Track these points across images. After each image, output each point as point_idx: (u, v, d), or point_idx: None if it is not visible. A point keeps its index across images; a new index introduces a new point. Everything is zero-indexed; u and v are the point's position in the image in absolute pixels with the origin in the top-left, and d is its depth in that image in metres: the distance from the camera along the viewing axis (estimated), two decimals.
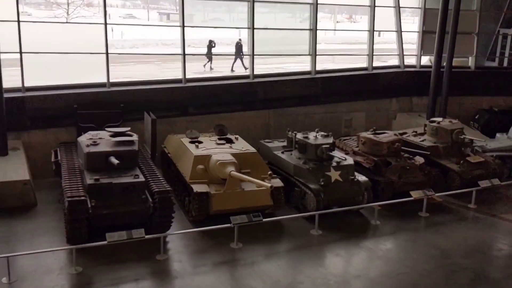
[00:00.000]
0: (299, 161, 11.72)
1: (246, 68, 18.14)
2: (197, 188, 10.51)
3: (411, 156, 12.98)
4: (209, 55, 22.46)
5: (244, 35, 17.31)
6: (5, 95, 12.12)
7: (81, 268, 8.79)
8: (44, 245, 9.52)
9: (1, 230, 10.05)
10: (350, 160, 11.93)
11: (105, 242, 8.80)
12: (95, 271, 8.79)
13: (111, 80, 14.19)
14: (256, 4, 15.69)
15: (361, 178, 11.68)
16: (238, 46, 21.19)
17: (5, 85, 12.15)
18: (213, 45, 22.17)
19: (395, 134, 13.54)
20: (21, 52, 13.00)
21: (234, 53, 21.83)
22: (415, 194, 11.67)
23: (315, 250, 10.05)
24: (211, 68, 22.52)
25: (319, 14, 17.26)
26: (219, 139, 12.28)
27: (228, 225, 9.81)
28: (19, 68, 13.13)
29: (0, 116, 12.00)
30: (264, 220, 10.13)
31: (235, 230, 9.85)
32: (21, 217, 10.77)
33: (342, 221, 11.20)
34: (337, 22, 33.49)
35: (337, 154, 12.00)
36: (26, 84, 13.25)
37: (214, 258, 9.47)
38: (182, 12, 14.86)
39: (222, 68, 22.33)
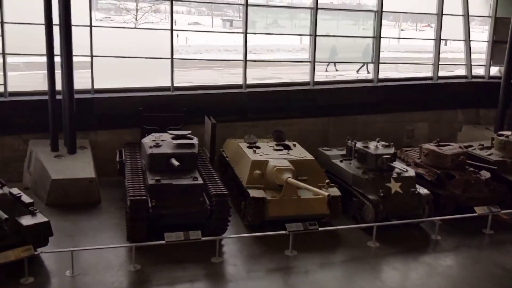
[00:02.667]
0: (358, 171, 11.52)
1: (368, 72, 18.16)
2: (254, 193, 10.56)
3: (476, 170, 12.42)
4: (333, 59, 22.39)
5: (306, 42, 17.28)
6: (76, 96, 12.71)
7: (139, 266, 9.05)
8: (106, 241, 9.90)
9: (66, 225, 10.53)
10: (411, 172, 11.58)
11: (163, 242, 9.02)
12: (152, 269, 9.02)
13: (175, 85, 14.59)
14: (319, 11, 15.62)
15: (423, 191, 11.30)
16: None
17: (76, 86, 12.75)
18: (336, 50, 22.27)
19: (460, 147, 13.02)
20: (92, 56, 13.64)
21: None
22: (480, 210, 11.14)
23: (372, 262, 9.82)
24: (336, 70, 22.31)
25: (383, 22, 16.93)
26: (277, 145, 12.30)
27: (283, 232, 9.77)
28: (90, 70, 13.77)
29: (70, 116, 12.61)
30: (320, 229, 10.02)
31: (290, 237, 9.80)
32: (85, 213, 11.25)
33: (401, 234, 10.88)
34: (402, 30, 32.70)
35: (398, 165, 11.68)
36: (95, 86, 13.87)
37: (268, 264, 9.47)
38: (245, 19, 15.06)
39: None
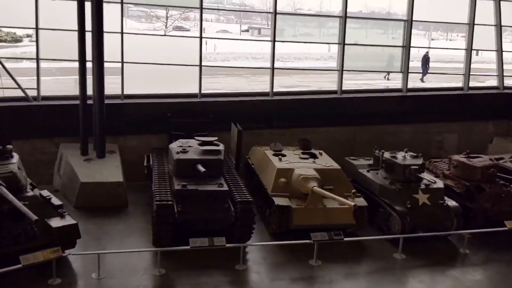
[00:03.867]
0: (386, 181, 11.38)
1: (423, 82, 18.13)
2: (278, 201, 10.54)
3: (507, 184, 12.11)
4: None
5: (334, 50, 17.23)
6: (106, 101, 12.96)
7: (164, 270, 9.12)
8: (132, 245, 10.02)
9: (94, 228, 10.70)
10: (440, 184, 11.38)
11: (188, 247, 9.08)
12: (177, 274, 9.08)
13: (202, 91, 14.73)
14: (348, 19, 15.57)
15: (451, 203, 11.09)
16: (425, 58, 21.32)
17: (106, 92, 12.99)
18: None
19: (490, 159, 12.73)
20: (122, 62, 13.89)
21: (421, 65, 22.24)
22: (510, 224, 10.85)
23: (398, 274, 9.66)
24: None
25: (413, 31, 16.75)
26: (303, 153, 12.26)
27: (308, 241, 9.71)
28: (120, 76, 14.03)
29: (100, 121, 12.85)
30: (345, 239, 9.93)
31: (314, 246, 9.73)
32: (112, 217, 11.41)
33: (428, 246, 10.67)
34: (432, 39, 32.30)
35: (427, 176, 11.49)
36: (125, 92, 14.12)
37: (292, 273, 9.42)
38: (274, 27, 15.12)
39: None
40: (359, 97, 16.15)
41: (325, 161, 11.87)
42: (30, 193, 9.37)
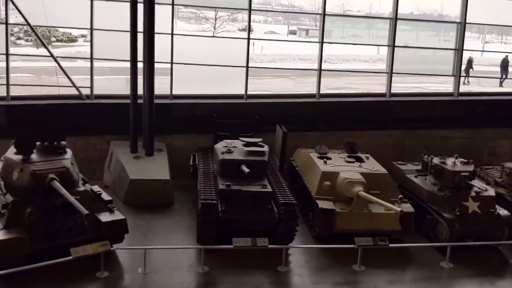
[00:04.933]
0: (434, 187, 11.08)
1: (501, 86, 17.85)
2: (322, 204, 10.46)
3: None
4: (467, 72, 22.21)
5: (383, 52, 16.93)
6: (155, 101, 13.27)
7: (207, 268, 9.24)
8: (177, 242, 10.21)
9: (141, 224, 10.98)
10: (491, 192, 10.98)
11: (231, 246, 9.17)
12: (220, 272, 9.18)
13: (248, 92, 14.83)
14: (398, 21, 15.27)
15: (503, 212, 10.67)
16: (505, 62, 21.02)
17: (156, 92, 13.30)
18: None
19: None
20: (172, 63, 14.19)
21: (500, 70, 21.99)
22: None
23: (444, 283, 9.41)
24: (466, 83, 22.00)
25: (466, 33, 16.23)
26: (349, 156, 12.12)
27: (352, 245, 9.59)
28: (169, 77, 14.33)
29: (150, 120, 13.18)
30: (390, 245, 9.74)
31: (359, 251, 9.60)
32: (159, 214, 11.66)
33: (477, 256, 10.32)
34: (486, 42, 31.16)
35: (477, 183, 11.10)
36: (174, 92, 14.40)
37: (335, 277, 9.33)
38: (322, 28, 15.02)
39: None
40: (409, 101, 15.79)
41: (372, 165, 11.68)
42: (82, 188, 9.71)
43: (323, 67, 15.33)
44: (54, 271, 8.46)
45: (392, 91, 15.75)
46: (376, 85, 17.44)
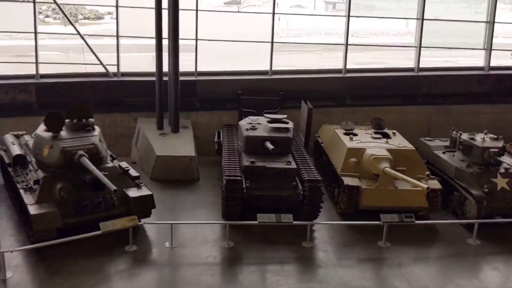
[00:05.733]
0: (462, 164, 10.89)
1: None
2: (348, 181, 10.43)
3: None
4: None
5: (412, 26, 16.51)
6: (180, 78, 13.32)
7: (232, 243, 9.38)
8: (202, 217, 10.38)
9: (167, 200, 11.16)
10: None
11: (255, 222, 9.26)
12: (244, 247, 9.31)
13: (273, 68, 14.72)
14: None
15: None
16: None
17: (181, 69, 13.33)
18: None
19: None
20: (196, 39, 14.16)
21: None
22: None
23: (471, 260, 9.32)
24: None
25: (498, 5, 15.65)
26: (375, 133, 11.99)
27: (377, 222, 9.57)
28: (194, 53, 14.32)
29: (175, 98, 13.26)
30: (416, 222, 9.68)
31: (384, 228, 9.57)
32: (185, 190, 11.84)
33: (505, 233, 10.17)
34: None
35: (507, 160, 10.86)
36: (199, 69, 14.41)
37: (360, 253, 9.35)
38: (349, 1, 14.71)
39: None
40: (437, 75, 15.44)
41: (399, 142, 11.54)
42: (110, 165, 9.91)
43: (349, 42, 15.06)
44: (84, 245, 8.73)
45: (420, 66, 15.41)
46: (404, 60, 17.07)
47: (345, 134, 11.90)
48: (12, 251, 8.24)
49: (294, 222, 9.36)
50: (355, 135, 11.82)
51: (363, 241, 9.73)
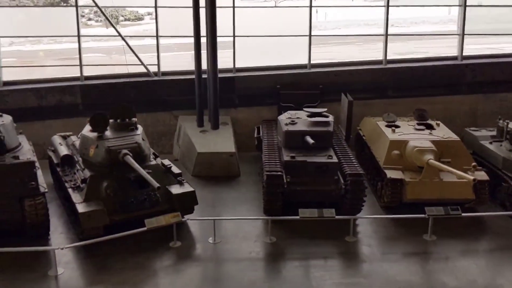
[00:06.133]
0: (510, 154, 10.51)
1: None
2: (391, 174, 10.25)
3: None
4: None
5: (455, 13, 16.01)
6: (219, 75, 13.42)
7: (275, 239, 9.40)
8: (244, 213, 10.45)
9: (209, 196, 11.30)
10: None
11: (297, 217, 9.24)
12: (287, 243, 9.31)
13: (312, 62, 14.61)
14: None
15: None
16: None
17: (220, 66, 13.42)
18: None
19: None
20: (234, 36, 14.23)
21: None
22: None
23: None
24: None
25: None
26: (418, 124, 11.72)
27: (423, 215, 9.37)
28: (232, 50, 14.40)
29: (214, 95, 13.38)
30: (463, 214, 9.43)
31: (429, 221, 9.37)
32: (226, 185, 11.94)
33: None
34: None
35: None
36: (237, 65, 14.48)
37: (405, 247, 9.19)
38: None
39: None
40: (482, 63, 14.92)
41: (443, 133, 11.24)
42: (153, 162, 10.12)
43: (389, 32, 14.77)
44: (130, 241, 8.96)
45: (464, 54, 14.93)
46: (446, 48, 16.60)
47: (387, 126, 11.69)
48: (62, 248, 8.55)
49: (337, 217, 9.29)
50: (398, 127, 11.60)
51: (408, 235, 9.55)
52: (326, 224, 9.51)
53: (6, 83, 13.61)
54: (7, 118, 10.17)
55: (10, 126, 10.05)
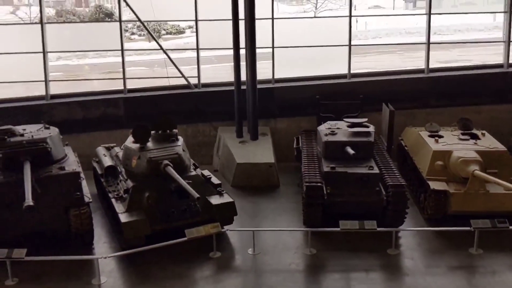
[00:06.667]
0: None
1: None
2: (435, 185, 9.99)
3: None
4: None
5: (500, 19, 15.56)
6: (258, 86, 13.49)
7: (315, 250, 9.30)
8: (283, 224, 10.40)
9: (248, 207, 11.31)
10: None
11: (338, 229, 9.12)
12: (327, 255, 9.20)
13: (352, 71, 14.50)
14: None
15: None
16: None
17: (259, 77, 13.51)
18: None
19: None
20: (273, 47, 14.30)
21: None
22: None
23: None
24: None
25: None
26: (463, 134, 11.41)
27: (468, 228, 9.08)
28: (271, 61, 14.46)
29: (253, 106, 13.45)
30: (511, 227, 9.06)
31: (475, 234, 9.06)
32: (265, 196, 11.93)
33: None
34: None
35: None
36: (276, 76, 14.52)
37: (449, 261, 8.92)
38: None
39: None
40: None
41: (489, 143, 10.89)
42: (193, 173, 10.24)
43: (432, 40, 14.49)
44: (171, 251, 9.05)
45: (510, 61, 14.44)
46: (492, 56, 16.14)
47: (430, 136, 11.42)
48: (105, 257, 8.76)
49: (378, 229, 9.12)
50: (441, 137, 11.31)
51: (452, 248, 9.27)
52: (367, 236, 9.34)
53: (53, 96, 14.12)
54: (54, 130, 10.53)
55: (56, 138, 10.40)
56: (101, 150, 12.05)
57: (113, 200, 9.85)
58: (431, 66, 14.60)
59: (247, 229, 9.79)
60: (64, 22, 18.21)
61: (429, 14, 14.25)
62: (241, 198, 11.50)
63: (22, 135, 9.94)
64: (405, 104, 13.67)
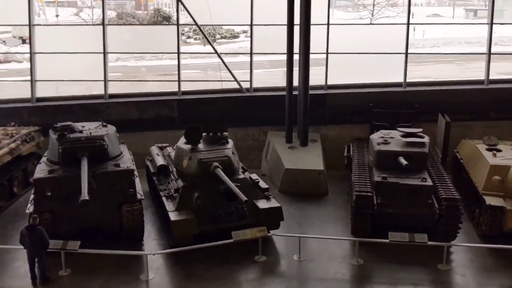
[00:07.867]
0: None
1: None
2: (491, 200, 9.61)
3: None
4: None
5: None
6: (310, 92, 13.43)
7: (362, 261, 9.14)
8: (331, 232, 10.28)
9: (296, 213, 11.25)
10: None
11: (387, 240, 8.93)
12: (375, 266, 9.02)
13: (408, 80, 14.18)
14: None
15: None
16: None
17: (311, 82, 13.44)
18: None
19: None
20: (327, 53, 14.21)
21: None
22: None
23: None
24: None
25: None
26: None
27: None
28: (324, 67, 14.37)
29: (304, 111, 13.40)
30: None
31: None
32: (313, 203, 11.83)
33: None
34: None
35: None
36: (329, 82, 14.41)
37: (503, 280, 8.57)
38: (492, 8, 13.67)
39: None
40: None
41: None
42: (242, 176, 10.32)
43: (492, 50, 13.96)
44: (217, 252, 9.16)
45: None
46: None
47: (487, 149, 11.00)
48: (154, 254, 8.96)
49: (429, 243, 8.86)
50: (499, 151, 10.86)
51: (507, 267, 8.89)
52: (417, 249, 9.10)
53: (111, 96, 14.63)
54: (111, 129, 10.90)
55: (113, 136, 10.75)
56: (154, 150, 12.36)
57: (163, 199, 10.07)
58: (491, 77, 14.07)
59: (293, 235, 9.75)
60: (124, 24, 18.83)
61: (491, 23, 13.77)
62: (288, 204, 11.46)
63: (81, 131, 10.36)
64: (462, 115, 13.26)
